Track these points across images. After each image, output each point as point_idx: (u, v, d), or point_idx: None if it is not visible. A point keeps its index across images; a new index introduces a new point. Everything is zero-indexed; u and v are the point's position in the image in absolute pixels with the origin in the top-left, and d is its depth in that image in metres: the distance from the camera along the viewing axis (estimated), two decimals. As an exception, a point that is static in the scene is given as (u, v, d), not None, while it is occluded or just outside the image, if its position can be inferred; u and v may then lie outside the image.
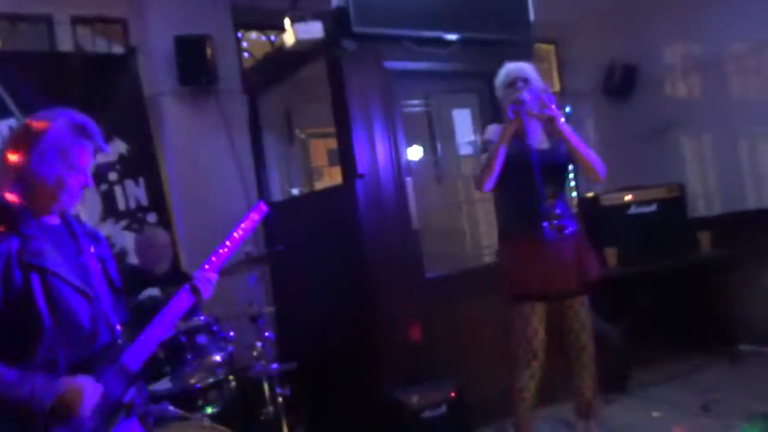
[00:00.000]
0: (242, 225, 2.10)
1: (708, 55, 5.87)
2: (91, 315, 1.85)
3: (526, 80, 3.15)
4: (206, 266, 2.02)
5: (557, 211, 3.06)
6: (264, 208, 2.15)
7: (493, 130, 3.23)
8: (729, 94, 5.80)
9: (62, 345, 1.76)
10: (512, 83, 3.15)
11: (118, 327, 1.93)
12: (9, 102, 4.00)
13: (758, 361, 4.62)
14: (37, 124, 1.84)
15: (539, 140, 3.13)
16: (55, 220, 1.92)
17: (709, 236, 5.39)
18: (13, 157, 1.81)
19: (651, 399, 4.23)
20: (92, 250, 1.97)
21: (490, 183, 3.07)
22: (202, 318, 3.18)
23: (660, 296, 5.09)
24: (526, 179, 2.99)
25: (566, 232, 3.07)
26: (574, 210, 3.20)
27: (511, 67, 3.23)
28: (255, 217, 2.13)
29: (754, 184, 5.61)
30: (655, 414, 3.97)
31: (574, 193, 5.87)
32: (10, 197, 1.81)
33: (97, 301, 1.89)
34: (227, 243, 2.06)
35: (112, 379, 1.79)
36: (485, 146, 3.21)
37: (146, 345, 1.89)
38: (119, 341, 1.90)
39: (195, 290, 1.98)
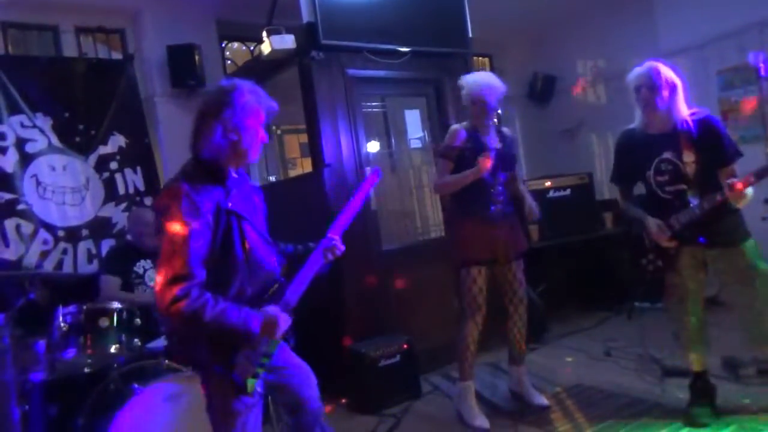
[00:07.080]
0: (360, 192, 2.05)
1: (611, 68, 5.97)
2: (269, 257, 1.86)
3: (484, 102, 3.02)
4: (331, 234, 2.00)
5: (501, 197, 3.10)
6: (378, 174, 2.10)
7: (456, 134, 3.08)
8: (628, 100, 5.84)
9: (249, 281, 1.77)
10: (476, 101, 3.04)
11: (280, 269, 1.93)
12: (20, 100, 3.85)
13: (649, 315, 4.74)
14: (227, 86, 1.79)
15: (494, 140, 3.11)
16: (236, 174, 1.86)
17: (612, 216, 5.51)
18: (218, 112, 1.73)
19: (565, 347, 4.31)
20: (255, 200, 1.94)
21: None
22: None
23: (572, 264, 5.22)
24: None
25: (507, 212, 3.13)
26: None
27: (477, 85, 3.03)
28: (371, 182, 2.09)
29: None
30: (568, 359, 4.05)
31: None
32: (209, 155, 1.74)
33: (273, 246, 1.90)
34: (347, 209, 2.02)
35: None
36: (446, 150, 3.07)
37: (299, 285, 1.91)
38: (282, 281, 1.90)
39: (327, 250, 1.99)
